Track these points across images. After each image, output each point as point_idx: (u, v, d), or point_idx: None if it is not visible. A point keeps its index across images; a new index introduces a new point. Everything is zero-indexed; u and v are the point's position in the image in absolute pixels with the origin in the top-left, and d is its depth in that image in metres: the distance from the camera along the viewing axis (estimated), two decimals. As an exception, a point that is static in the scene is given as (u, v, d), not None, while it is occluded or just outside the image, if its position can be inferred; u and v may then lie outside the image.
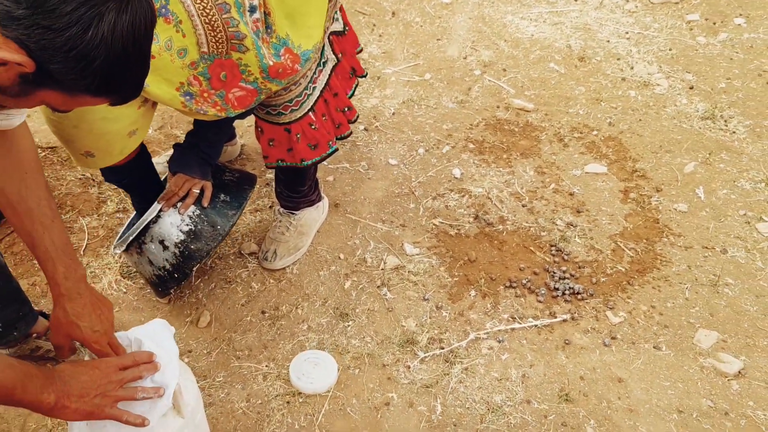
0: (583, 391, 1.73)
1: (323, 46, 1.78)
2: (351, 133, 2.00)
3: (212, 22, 1.40)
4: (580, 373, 1.77)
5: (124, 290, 2.00)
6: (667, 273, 2.04)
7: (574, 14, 3.34)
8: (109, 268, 2.05)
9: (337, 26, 1.88)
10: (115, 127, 1.58)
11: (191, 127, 1.82)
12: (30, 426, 1.64)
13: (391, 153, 2.52)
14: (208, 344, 1.86)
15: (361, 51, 2.05)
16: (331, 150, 1.89)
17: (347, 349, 1.83)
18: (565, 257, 2.09)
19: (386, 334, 1.87)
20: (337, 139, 1.94)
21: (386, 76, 2.94)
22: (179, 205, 1.76)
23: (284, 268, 2.06)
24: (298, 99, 1.75)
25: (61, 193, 2.29)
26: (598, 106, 2.74)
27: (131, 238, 1.77)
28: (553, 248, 2.12)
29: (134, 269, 2.01)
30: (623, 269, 2.06)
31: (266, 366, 1.80)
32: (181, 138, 2.52)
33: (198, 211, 1.77)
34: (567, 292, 1.97)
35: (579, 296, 1.96)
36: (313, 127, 1.81)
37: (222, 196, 1.81)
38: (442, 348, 1.83)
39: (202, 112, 1.54)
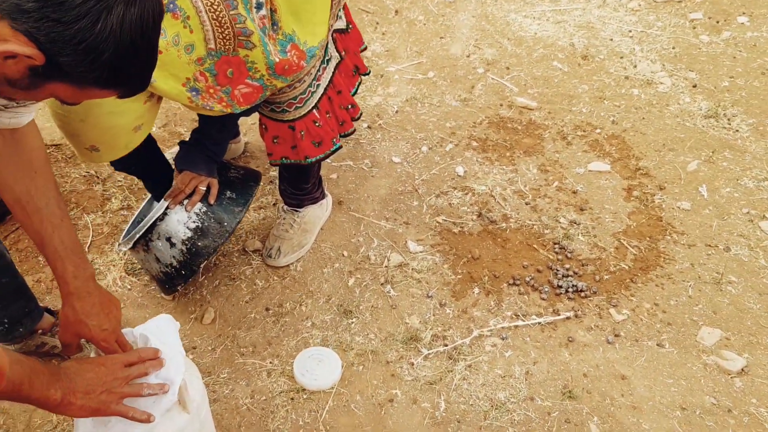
0: (587, 388, 1.74)
1: (327, 44, 1.79)
2: (354, 130, 2.01)
3: (220, 18, 1.41)
4: (584, 370, 1.78)
5: (129, 287, 2.01)
6: (670, 271, 2.04)
7: (577, 12, 3.34)
8: (114, 265, 2.06)
9: (341, 24, 1.88)
10: (121, 122, 1.59)
11: (195, 124, 1.83)
12: (35, 422, 1.65)
13: (395, 151, 2.52)
14: (212, 341, 1.86)
15: (365, 49, 2.06)
16: (334, 147, 1.89)
17: (351, 346, 1.84)
18: (569, 255, 2.09)
19: (390, 331, 1.88)
20: (340, 136, 1.94)
21: (389, 74, 2.94)
22: (186, 202, 1.77)
23: (288, 266, 2.07)
24: (302, 96, 1.76)
25: (65, 191, 2.30)
26: (602, 105, 2.74)
27: (138, 235, 1.77)
28: (556, 246, 2.12)
29: (140, 267, 2.02)
30: (626, 267, 2.06)
31: (270, 362, 1.80)
32: (185, 135, 2.53)
33: (205, 208, 1.78)
34: (570, 289, 1.97)
35: (582, 294, 1.97)
36: (317, 124, 1.82)
37: (228, 193, 1.82)
38: (446, 345, 1.84)
39: (208, 107, 1.54)
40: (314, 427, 1.65)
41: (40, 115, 2.42)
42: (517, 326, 1.89)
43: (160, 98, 1.68)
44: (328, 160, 2.21)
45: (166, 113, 2.66)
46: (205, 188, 1.78)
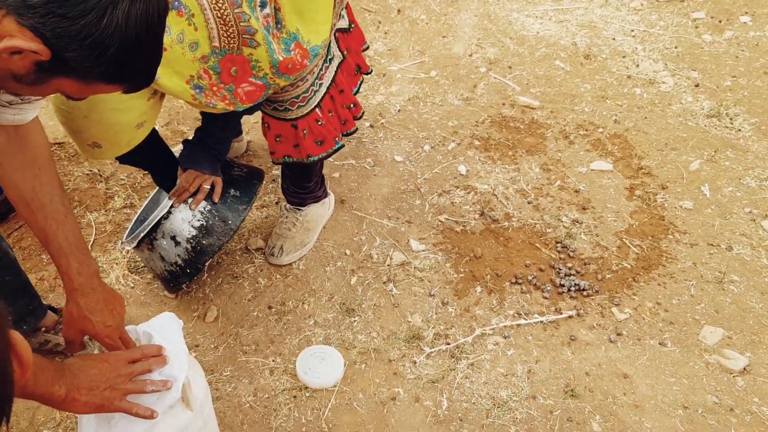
0: (589, 386, 1.74)
1: (330, 43, 1.79)
2: (357, 129, 2.01)
3: (224, 17, 1.41)
4: (586, 368, 1.78)
5: (132, 285, 2.01)
6: (672, 270, 2.04)
7: (579, 12, 3.34)
8: (117, 263, 2.06)
9: (343, 23, 1.89)
10: (124, 118, 1.59)
11: (198, 123, 1.83)
12: (39, 419, 1.65)
13: (397, 150, 2.52)
14: (215, 339, 1.87)
15: (367, 48, 2.06)
16: (337, 146, 1.90)
17: (353, 344, 1.84)
18: (571, 254, 2.09)
19: (392, 329, 1.88)
20: (343, 135, 1.95)
21: (392, 73, 2.95)
22: (190, 200, 1.77)
23: (291, 264, 2.07)
24: (305, 95, 1.76)
25: (68, 189, 2.30)
26: (604, 104, 2.74)
27: (142, 234, 1.78)
28: (558, 245, 2.13)
29: (144, 265, 2.02)
30: (629, 266, 2.06)
31: (273, 361, 1.80)
32: (188, 134, 2.54)
33: (209, 207, 1.78)
34: (572, 288, 1.97)
35: (584, 293, 1.97)
36: (319, 123, 1.82)
37: (232, 192, 1.82)
38: (448, 343, 1.84)
39: (211, 105, 1.55)
40: (317, 425, 1.66)
41: (42, 113, 2.42)
42: (519, 325, 1.89)
43: (163, 95, 1.69)
44: (330, 159, 2.21)
45: (169, 111, 2.67)
46: (209, 187, 1.79)
